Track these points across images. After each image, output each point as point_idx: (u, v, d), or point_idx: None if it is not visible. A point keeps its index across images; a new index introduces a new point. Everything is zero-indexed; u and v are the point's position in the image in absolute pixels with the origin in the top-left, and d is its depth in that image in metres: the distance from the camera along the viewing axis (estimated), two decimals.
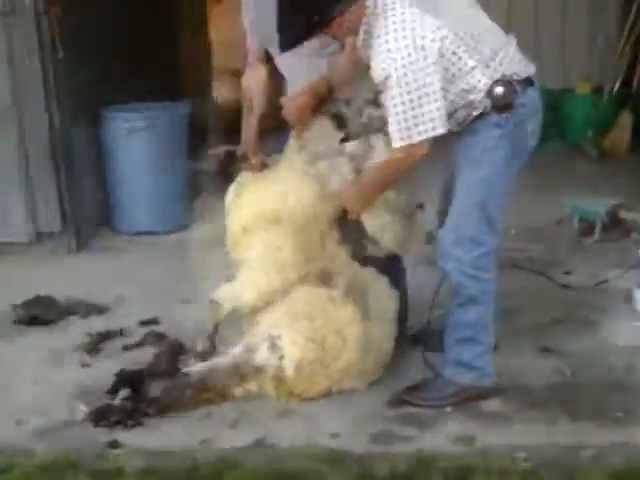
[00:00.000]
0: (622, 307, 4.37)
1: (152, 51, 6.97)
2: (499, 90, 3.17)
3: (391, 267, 3.80)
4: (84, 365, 3.97)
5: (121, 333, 4.26)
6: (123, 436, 3.33)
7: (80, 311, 4.53)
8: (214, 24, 9.73)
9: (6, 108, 5.19)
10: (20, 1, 5.11)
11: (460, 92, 3.19)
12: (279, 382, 3.48)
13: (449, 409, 3.45)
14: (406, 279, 3.95)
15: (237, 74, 4.13)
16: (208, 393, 3.50)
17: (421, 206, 3.90)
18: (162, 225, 5.86)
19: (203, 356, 3.74)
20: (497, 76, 3.18)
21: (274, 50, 3.69)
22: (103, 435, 3.34)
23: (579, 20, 8.27)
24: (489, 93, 3.18)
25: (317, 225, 3.67)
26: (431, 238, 3.89)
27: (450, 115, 3.18)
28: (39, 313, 4.48)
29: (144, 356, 3.91)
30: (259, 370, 3.49)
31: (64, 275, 5.10)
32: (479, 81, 3.18)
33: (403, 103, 3.06)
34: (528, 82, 3.29)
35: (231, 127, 4.03)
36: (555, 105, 7.31)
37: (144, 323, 4.32)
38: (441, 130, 3.11)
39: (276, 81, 3.89)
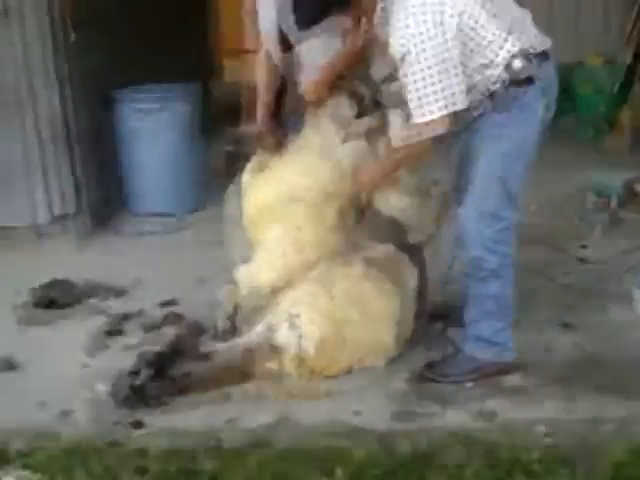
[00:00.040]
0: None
1: (166, 32, 6.97)
2: (517, 64, 3.16)
3: (410, 244, 3.80)
4: (105, 347, 3.99)
5: (140, 315, 4.27)
6: (146, 416, 3.35)
7: (98, 294, 4.55)
8: (225, 4, 9.74)
9: (20, 92, 5.18)
10: None
11: (478, 67, 3.19)
12: (300, 361, 3.49)
13: (470, 385, 3.47)
14: (424, 255, 3.95)
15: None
16: (230, 373, 3.52)
17: (436, 182, 3.90)
18: (178, 206, 5.86)
19: (223, 336, 3.76)
20: (515, 50, 3.17)
21: (289, 30, 3.69)
22: (126, 416, 3.36)
23: None
24: (507, 67, 3.17)
25: (335, 203, 3.67)
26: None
27: (469, 90, 3.17)
28: (57, 296, 4.50)
29: (164, 337, 3.92)
30: (280, 349, 3.50)
31: (81, 258, 5.12)
32: (497, 55, 3.17)
33: (423, 79, 3.06)
34: (544, 56, 3.27)
35: (246, 107, 4.02)
36: (568, 79, 7.26)
37: (163, 304, 4.33)
38: (461, 105, 3.10)
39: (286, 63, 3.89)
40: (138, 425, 3.31)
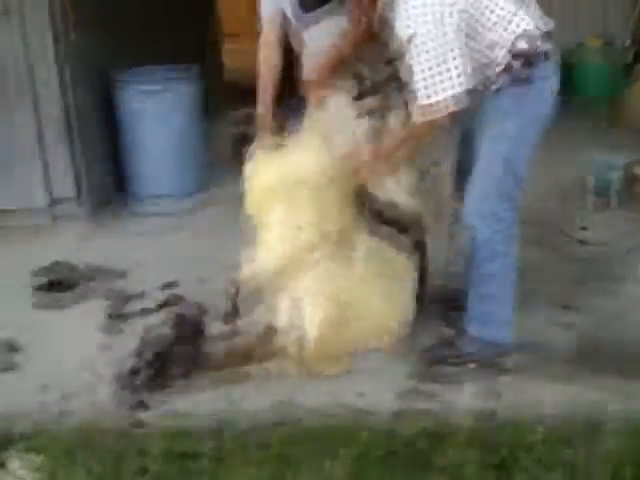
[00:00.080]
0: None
1: (167, 14, 6.94)
2: (522, 45, 3.16)
3: (411, 226, 3.79)
4: (107, 330, 3.99)
5: (142, 297, 4.27)
6: (149, 399, 3.36)
7: (99, 277, 4.55)
8: None
9: (20, 76, 5.16)
10: None
11: (483, 48, 3.18)
12: (303, 343, 3.49)
13: (472, 366, 3.47)
14: (426, 238, 3.94)
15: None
16: (233, 355, 3.52)
17: (437, 164, 3.89)
18: (179, 189, 5.83)
19: (226, 319, 3.76)
20: (519, 32, 3.16)
21: (289, 11, 3.67)
22: (129, 398, 3.37)
23: None
24: (512, 48, 3.17)
25: (337, 187, 3.66)
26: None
27: (473, 71, 3.16)
28: (58, 279, 4.51)
29: (166, 320, 3.92)
30: (283, 332, 3.50)
31: (82, 241, 5.13)
32: (501, 37, 3.17)
33: (428, 60, 3.05)
34: (548, 37, 3.27)
35: (248, 90, 4.01)
36: (567, 60, 7.24)
37: (165, 287, 4.33)
38: (467, 86, 3.09)
39: (288, 47, 3.88)
40: (141, 407, 3.31)
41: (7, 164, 5.27)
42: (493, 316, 3.46)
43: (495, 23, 3.16)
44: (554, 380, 3.34)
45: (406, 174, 3.69)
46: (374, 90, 3.67)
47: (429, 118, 3.18)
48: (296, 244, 3.59)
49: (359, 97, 3.68)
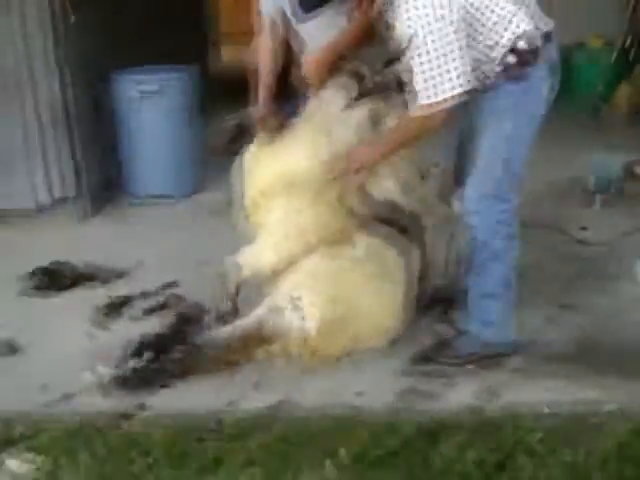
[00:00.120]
0: (638, 262, 4.37)
1: (165, 14, 6.94)
2: (521, 45, 3.16)
3: (411, 226, 3.80)
4: (105, 329, 3.99)
5: (141, 297, 4.26)
6: (148, 398, 3.36)
7: (99, 276, 4.55)
8: None
9: (19, 75, 5.18)
10: None
11: (483, 48, 3.18)
12: (302, 342, 3.49)
13: (471, 366, 3.47)
14: (425, 238, 3.94)
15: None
16: (232, 355, 3.52)
17: (436, 165, 3.89)
18: (176, 189, 5.86)
19: (225, 318, 3.76)
20: (519, 31, 3.16)
21: (289, 9, 3.67)
22: (128, 398, 3.37)
23: None
24: (511, 48, 3.17)
25: (335, 187, 3.66)
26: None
27: (473, 71, 3.16)
28: (58, 278, 4.51)
29: (166, 319, 3.93)
30: (281, 331, 3.49)
31: (81, 241, 5.12)
32: (502, 37, 3.17)
33: (430, 61, 3.05)
34: (548, 37, 3.27)
35: (246, 89, 4.01)
36: (565, 60, 7.24)
37: (164, 286, 4.33)
38: (467, 87, 3.09)
39: (287, 45, 3.87)
40: (141, 407, 3.31)
41: (7, 163, 5.28)
42: (492, 316, 3.46)
43: (495, 23, 3.16)
44: (553, 379, 3.35)
45: (405, 174, 3.70)
46: (374, 90, 3.67)
47: (429, 118, 3.18)
48: (294, 243, 3.60)
49: (359, 97, 3.67)
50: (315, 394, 3.34)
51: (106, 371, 3.52)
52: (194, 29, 8.60)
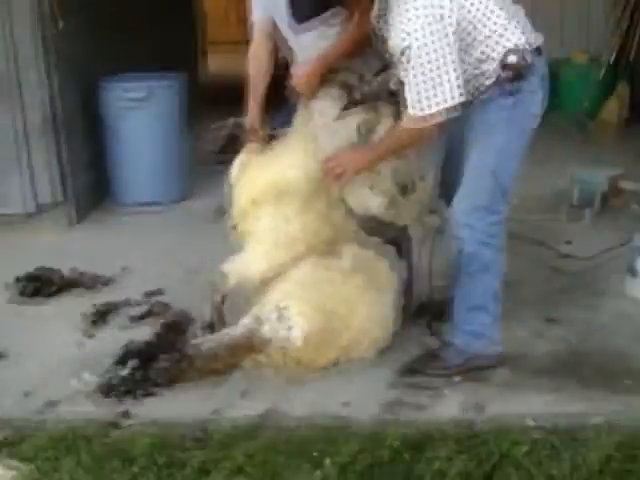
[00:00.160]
0: (623, 277, 4.38)
1: (155, 22, 6.95)
2: (512, 59, 3.18)
3: (397, 238, 3.81)
4: (90, 336, 3.97)
5: (126, 304, 4.25)
6: (133, 407, 3.34)
7: (84, 283, 4.53)
8: None
9: (6, 80, 5.15)
10: None
11: (474, 61, 3.21)
12: (287, 353, 3.49)
13: (457, 378, 3.47)
14: (412, 250, 3.96)
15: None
16: (217, 364, 3.51)
17: (422, 178, 3.89)
18: (163, 196, 5.86)
19: (210, 327, 3.75)
20: (510, 45, 3.19)
21: (280, 20, 3.68)
22: (113, 406, 3.35)
23: None
24: (502, 62, 3.19)
25: (323, 196, 3.66)
26: (434, 209, 3.91)
27: (465, 84, 3.17)
28: (43, 285, 4.48)
29: (151, 327, 3.92)
30: (268, 341, 3.49)
31: (66, 247, 5.10)
32: (493, 50, 3.20)
33: (423, 73, 3.07)
34: (538, 52, 3.30)
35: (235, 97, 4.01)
36: (552, 75, 7.28)
37: (149, 294, 4.32)
38: (459, 100, 3.11)
39: (277, 54, 3.89)
40: (126, 415, 3.29)
41: None
42: (479, 328, 3.47)
43: (487, 37, 3.18)
44: (539, 392, 3.35)
45: (386, 187, 3.69)
46: (363, 100, 3.67)
47: (419, 129, 3.20)
48: (284, 252, 3.60)
49: (347, 107, 3.68)
50: (302, 404, 3.33)
51: (91, 379, 3.51)
52: (184, 36, 8.62)
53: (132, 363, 3.54)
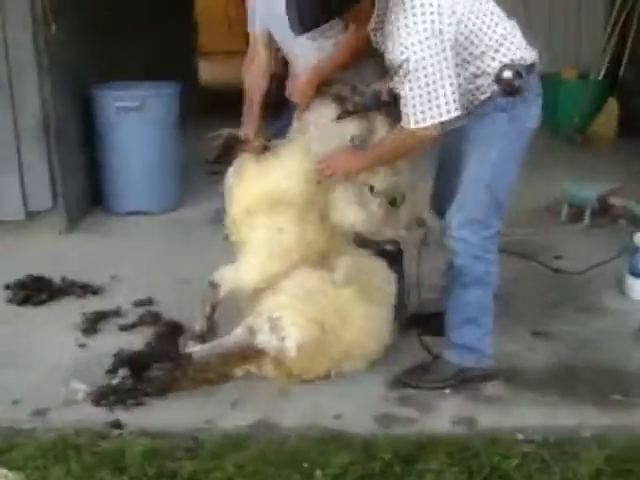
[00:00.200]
0: (614, 292, 4.42)
1: (149, 30, 6.94)
2: (507, 74, 3.20)
3: (389, 250, 3.82)
4: (80, 345, 3.96)
5: (116, 313, 4.24)
6: (124, 416, 3.33)
7: (74, 291, 4.51)
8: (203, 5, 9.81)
9: (1, 86, 5.13)
10: None
11: (469, 76, 3.23)
12: (279, 363, 3.49)
13: (448, 391, 3.48)
14: (404, 262, 3.96)
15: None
16: (209, 374, 3.51)
17: (413, 190, 3.90)
18: (154, 205, 5.86)
19: (201, 337, 3.74)
20: (506, 60, 3.22)
21: (276, 31, 3.69)
22: (103, 415, 3.34)
23: (567, 5, 8.30)
24: (497, 77, 3.22)
25: (317, 207, 3.67)
26: (422, 222, 3.92)
27: (460, 97, 3.19)
28: (32, 293, 4.46)
29: (141, 336, 3.92)
30: (260, 351, 3.49)
31: (56, 255, 5.08)
32: (488, 65, 3.22)
33: (419, 87, 3.08)
34: (532, 68, 3.32)
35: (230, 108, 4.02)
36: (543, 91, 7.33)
37: (140, 303, 4.31)
38: (454, 114, 3.13)
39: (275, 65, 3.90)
40: (116, 425, 3.28)
41: None
42: (471, 341, 3.48)
43: (483, 52, 3.21)
44: (530, 406, 3.37)
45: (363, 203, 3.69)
46: (355, 111, 3.68)
47: (413, 139, 3.22)
48: (278, 262, 3.60)
49: (340, 117, 3.69)
50: (293, 415, 3.33)
51: (81, 387, 3.50)
52: (182, 41, 8.63)
53: (123, 372, 3.53)
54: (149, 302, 4.34)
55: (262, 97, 3.79)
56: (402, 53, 3.08)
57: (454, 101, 3.12)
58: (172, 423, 3.29)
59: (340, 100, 3.70)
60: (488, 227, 3.35)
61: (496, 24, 3.23)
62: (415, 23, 3.07)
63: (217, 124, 4.05)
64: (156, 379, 3.47)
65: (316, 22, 3.16)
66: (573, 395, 3.43)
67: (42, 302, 4.42)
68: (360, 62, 3.61)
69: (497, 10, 3.30)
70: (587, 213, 5.47)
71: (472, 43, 3.18)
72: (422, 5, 3.07)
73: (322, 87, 3.68)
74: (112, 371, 3.58)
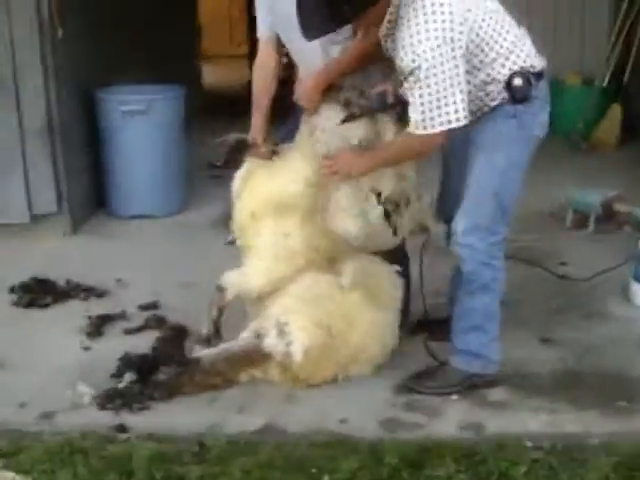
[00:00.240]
0: (619, 298, 4.41)
1: (154, 33, 6.95)
2: (517, 82, 3.21)
3: (395, 255, 3.82)
4: (86, 349, 3.96)
5: (122, 316, 4.23)
6: (130, 420, 3.33)
7: (79, 294, 4.51)
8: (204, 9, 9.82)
9: (4, 88, 5.13)
10: None
11: (479, 83, 3.24)
12: (286, 368, 3.49)
13: (455, 397, 3.48)
14: (409, 267, 3.96)
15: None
16: (215, 378, 3.51)
17: (419, 196, 3.91)
18: (159, 208, 5.85)
19: (207, 341, 3.74)
20: (516, 68, 3.22)
21: (282, 31, 3.69)
22: (109, 419, 3.34)
23: (571, 12, 8.31)
24: (507, 84, 3.22)
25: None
26: (425, 228, 3.92)
27: (469, 104, 3.19)
28: (37, 296, 4.46)
29: (146, 340, 3.91)
30: (267, 356, 3.49)
31: (61, 258, 5.08)
32: (499, 73, 3.23)
33: (430, 94, 3.08)
34: (541, 75, 3.32)
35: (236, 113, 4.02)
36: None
37: (146, 307, 4.30)
38: (463, 121, 3.13)
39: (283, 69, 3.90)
40: (121, 429, 3.28)
41: None
42: (477, 348, 3.47)
43: (494, 59, 3.21)
44: (536, 412, 3.37)
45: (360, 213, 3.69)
46: (362, 115, 3.68)
47: (420, 143, 3.23)
48: (284, 266, 3.60)
49: (346, 121, 3.69)
50: (299, 420, 3.33)
51: (87, 391, 3.49)
52: (186, 43, 8.64)
53: (129, 376, 3.53)
54: (154, 306, 4.33)
55: (270, 101, 3.79)
56: (414, 60, 3.08)
57: (463, 109, 3.12)
58: (178, 427, 3.29)
59: (347, 104, 3.70)
60: (495, 233, 3.35)
61: (507, 32, 3.24)
62: (427, 30, 3.07)
63: (220, 128, 4.06)
64: (163, 383, 3.47)
65: (327, 28, 3.16)
66: (579, 401, 3.43)
67: (47, 305, 4.42)
68: (367, 67, 3.60)
69: (508, 18, 3.30)
70: (592, 219, 5.46)
71: (483, 50, 3.18)
72: (434, 13, 3.07)
73: (329, 91, 3.67)
74: (117, 375, 3.57)
